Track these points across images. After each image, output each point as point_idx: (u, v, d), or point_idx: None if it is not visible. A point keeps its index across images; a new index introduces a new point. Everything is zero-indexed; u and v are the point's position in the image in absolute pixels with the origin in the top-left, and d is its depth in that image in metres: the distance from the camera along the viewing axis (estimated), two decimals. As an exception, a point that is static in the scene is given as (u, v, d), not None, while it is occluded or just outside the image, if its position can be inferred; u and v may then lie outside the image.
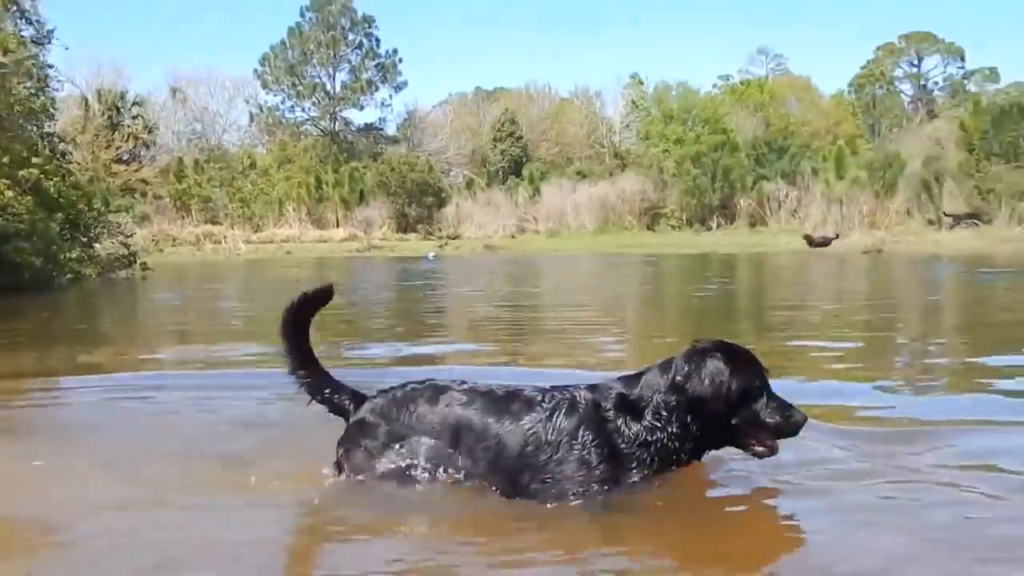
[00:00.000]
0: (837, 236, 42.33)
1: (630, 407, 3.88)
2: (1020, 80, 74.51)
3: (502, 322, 12.87)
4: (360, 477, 3.97)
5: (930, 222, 48.35)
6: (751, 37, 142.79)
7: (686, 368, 3.85)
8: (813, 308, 14.62)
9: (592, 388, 3.98)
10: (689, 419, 3.84)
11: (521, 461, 3.81)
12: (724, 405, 3.82)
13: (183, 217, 55.53)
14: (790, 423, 3.92)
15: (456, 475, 3.88)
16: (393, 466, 3.92)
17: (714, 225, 55.21)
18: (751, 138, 60.54)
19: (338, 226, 56.77)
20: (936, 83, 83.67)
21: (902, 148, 54.94)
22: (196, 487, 4.24)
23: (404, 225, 58.10)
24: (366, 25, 71.55)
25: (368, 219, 56.27)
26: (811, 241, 41.99)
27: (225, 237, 50.91)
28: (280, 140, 69.17)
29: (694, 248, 43.23)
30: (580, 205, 57.04)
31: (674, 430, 3.84)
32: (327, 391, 4.16)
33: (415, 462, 3.90)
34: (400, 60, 72.29)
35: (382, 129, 73.89)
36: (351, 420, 4.07)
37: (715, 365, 3.83)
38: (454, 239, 53.71)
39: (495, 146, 69.48)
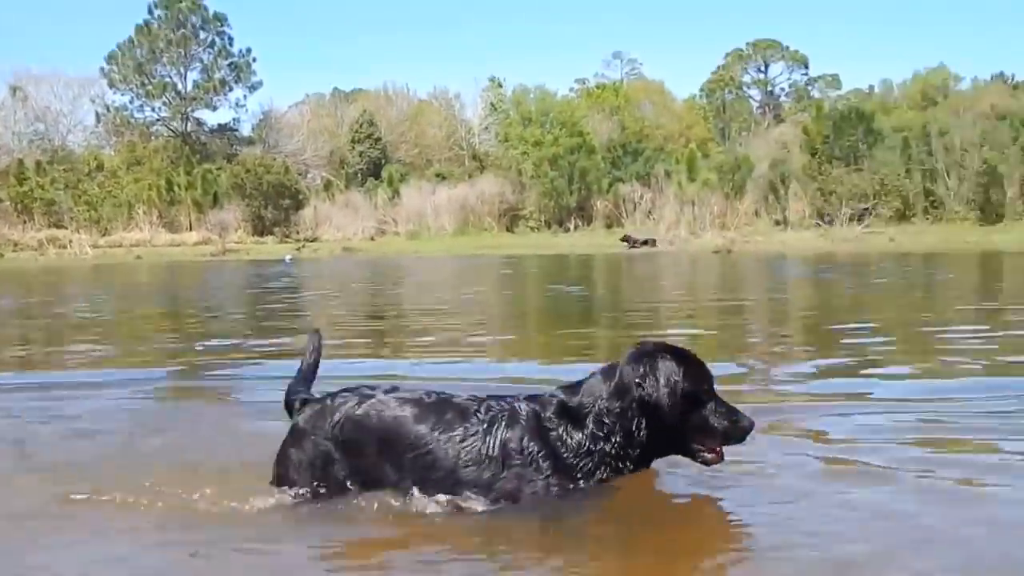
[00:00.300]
0: (654, 242, 43.77)
1: (570, 415, 3.65)
2: (859, 87, 78.38)
3: (360, 321, 12.76)
4: (285, 488, 3.77)
5: (777, 222, 50.23)
6: (606, 42, 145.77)
7: (641, 370, 3.62)
8: (664, 303, 15.02)
9: (532, 398, 3.75)
10: (635, 425, 3.61)
11: (454, 476, 3.59)
12: (678, 408, 3.61)
13: (25, 221, 53.24)
14: (737, 428, 3.70)
15: (382, 488, 3.66)
16: (316, 480, 3.73)
17: (572, 226, 55.98)
18: (607, 141, 61.65)
19: (191, 229, 55.35)
20: (782, 89, 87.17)
21: (750, 151, 56.95)
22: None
23: (260, 228, 57.02)
24: (218, 23, 69.83)
25: (223, 222, 54.94)
26: (631, 242, 43.30)
27: (71, 241, 48.98)
28: (129, 141, 66.79)
29: (552, 249, 43.75)
30: (440, 207, 57.06)
31: (618, 439, 3.61)
32: (298, 389, 3.98)
33: (339, 475, 3.71)
34: (254, 59, 70.94)
35: (236, 130, 72.33)
36: (291, 425, 3.88)
37: (668, 366, 3.63)
38: (312, 242, 53.00)
39: (353, 147, 68.90)
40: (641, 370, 3.62)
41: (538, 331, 11.76)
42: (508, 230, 56.95)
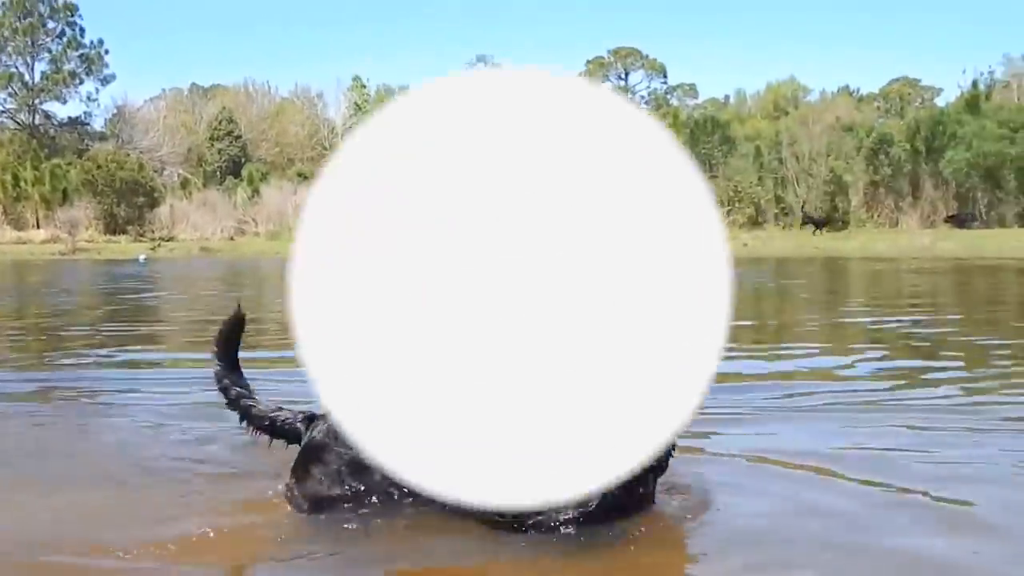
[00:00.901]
0: None
1: None
2: (716, 96, 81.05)
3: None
4: (308, 507, 3.38)
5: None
6: (470, 45, 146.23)
7: None
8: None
9: None
10: None
11: None
12: None
13: None
14: None
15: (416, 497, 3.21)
16: (346, 493, 3.36)
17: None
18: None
19: (39, 227, 53.12)
20: (642, 96, 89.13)
21: (611, 157, 58.02)
22: None
23: (113, 226, 55.05)
24: (68, 13, 67.22)
25: (73, 220, 52.75)
26: None
27: (-95, 238, 46.49)
28: (-30, 133, 63.80)
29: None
30: (301, 207, 56.09)
31: None
32: (272, 414, 3.64)
33: (370, 486, 3.33)
34: (107, 51, 68.52)
35: (88, 124, 69.66)
36: (303, 443, 3.49)
37: None
38: (168, 241, 51.41)
39: (212, 145, 67.30)
40: None
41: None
42: (371, 231, 56.51)
